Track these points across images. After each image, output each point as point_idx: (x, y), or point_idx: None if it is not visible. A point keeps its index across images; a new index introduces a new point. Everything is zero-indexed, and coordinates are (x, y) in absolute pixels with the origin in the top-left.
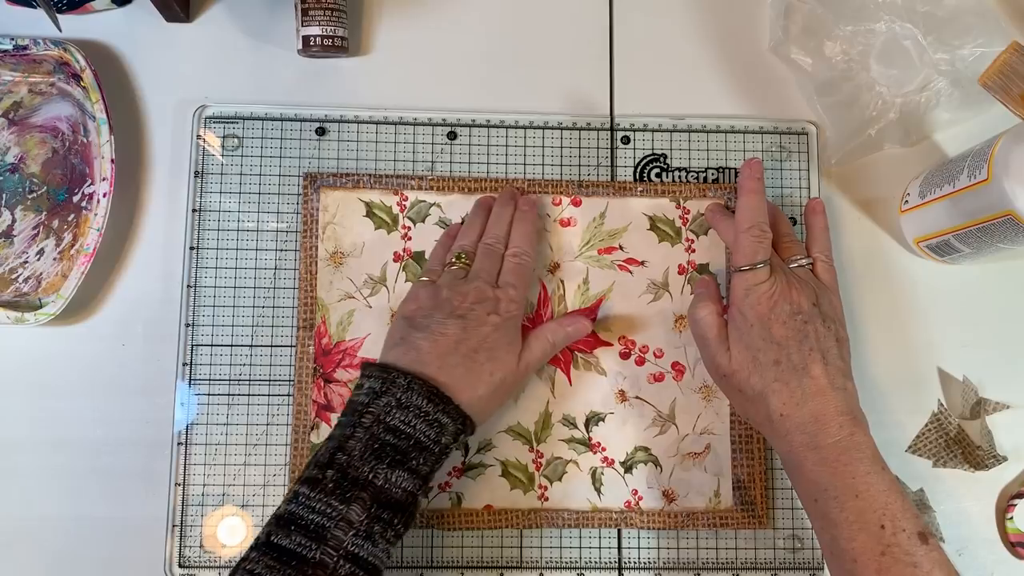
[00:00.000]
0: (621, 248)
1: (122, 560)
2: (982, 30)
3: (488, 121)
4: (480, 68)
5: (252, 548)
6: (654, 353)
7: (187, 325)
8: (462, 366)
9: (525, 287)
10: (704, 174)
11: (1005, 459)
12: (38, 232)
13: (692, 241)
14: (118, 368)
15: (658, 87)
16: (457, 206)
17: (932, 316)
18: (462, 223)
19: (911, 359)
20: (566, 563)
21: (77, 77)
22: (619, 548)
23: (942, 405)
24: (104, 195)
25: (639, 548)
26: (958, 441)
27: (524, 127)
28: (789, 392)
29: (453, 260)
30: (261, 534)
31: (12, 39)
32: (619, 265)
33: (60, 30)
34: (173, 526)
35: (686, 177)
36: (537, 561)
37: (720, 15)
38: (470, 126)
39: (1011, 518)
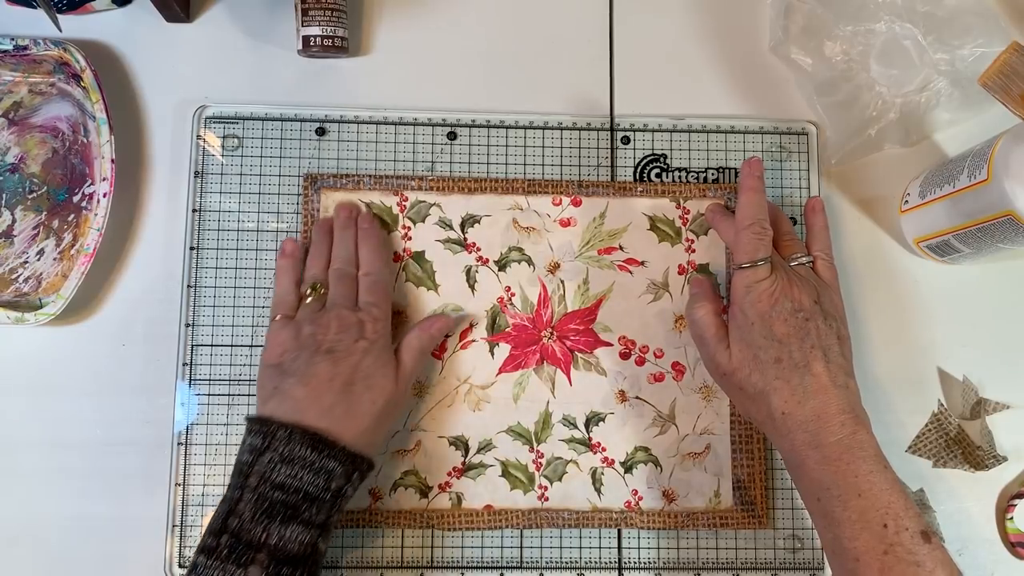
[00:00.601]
0: (621, 248)
1: (122, 560)
2: (982, 30)
3: (488, 121)
4: (480, 68)
5: None
6: (654, 353)
7: (187, 325)
8: (341, 404)
9: (387, 304)
10: (704, 174)
11: (1005, 459)
12: (38, 232)
13: (692, 241)
14: (118, 368)
15: (658, 87)
16: (457, 206)
17: (932, 316)
18: (294, 242)
19: (911, 359)
20: (566, 563)
21: (77, 77)
22: (619, 548)
23: (942, 405)
24: (104, 195)
25: (639, 548)
26: (958, 441)
27: (524, 127)
28: (791, 390)
29: (308, 292)
30: None
31: (12, 39)
32: (619, 265)
33: (60, 30)
34: (173, 526)
35: (686, 177)
36: (537, 561)
37: (720, 15)
38: (470, 126)
39: (1011, 518)
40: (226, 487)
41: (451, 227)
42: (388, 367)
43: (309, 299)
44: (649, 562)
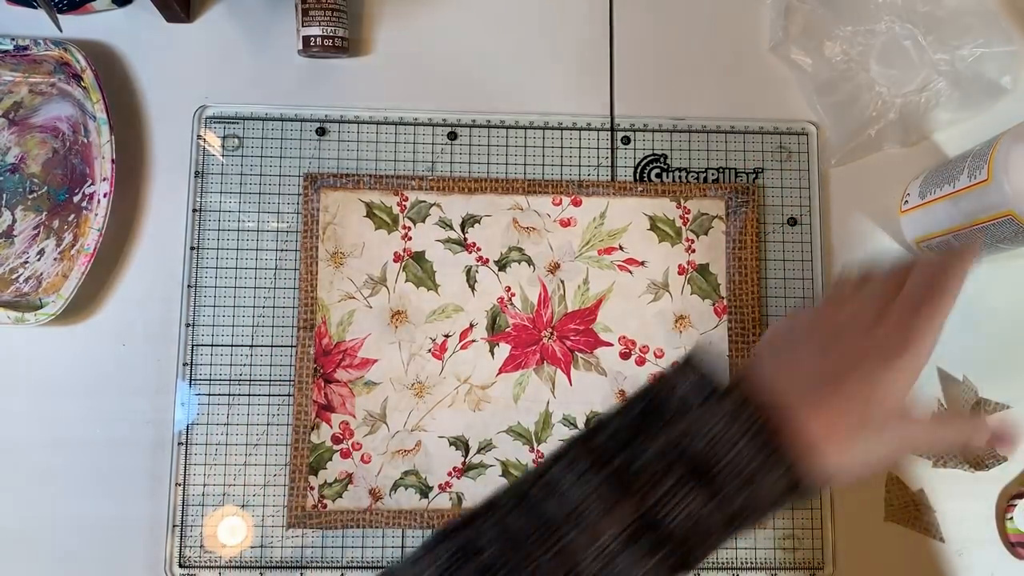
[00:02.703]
0: (621, 248)
1: (122, 560)
2: (982, 30)
3: (488, 121)
4: (480, 68)
5: (497, 504)
6: (654, 353)
7: (187, 325)
8: (814, 395)
9: (926, 332)
10: (704, 174)
11: (1005, 459)
12: (38, 232)
13: (692, 241)
14: (118, 368)
15: (658, 87)
16: (457, 206)
17: None
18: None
19: None
20: None
21: (77, 77)
22: None
23: (942, 405)
24: (104, 195)
25: None
26: None
27: (524, 127)
28: None
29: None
30: (508, 496)
31: (12, 39)
32: (619, 265)
33: (60, 30)
34: (173, 526)
35: (686, 177)
36: None
37: (720, 15)
38: (470, 126)
39: (1011, 518)
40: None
41: (451, 227)
42: (902, 388)
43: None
44: None
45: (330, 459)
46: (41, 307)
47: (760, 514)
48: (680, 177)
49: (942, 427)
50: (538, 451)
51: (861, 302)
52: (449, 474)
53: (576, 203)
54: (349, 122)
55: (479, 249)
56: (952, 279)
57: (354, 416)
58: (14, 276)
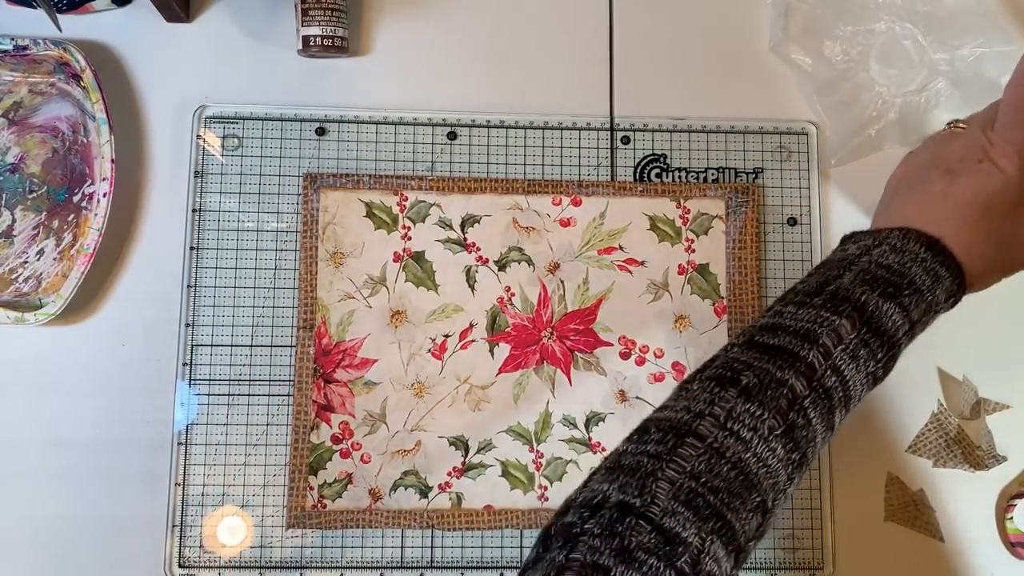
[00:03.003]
0: (621, 248)
1: (122, 560)
2: (982, 30)
3: (488, 121)
4: (480, 68)
5: (730, 347)
6: (654, 353)
7: (187, 325)
8: (952, 221)
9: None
10: (704, 174)
11: (1005, 459)
12: (38, 232)
13: (692, 241)
14: (118, 368)
15: (658, 87)
16: (457, 206)
17: None
18: None
19: (911, 359)
20: None
21: (77, 77)
22: None
23: (942, 405)
24: (104, 195)
25: None
26: (958, 441)
27: (524, 127)
28: None
29: (949, 123)
30: (738, 338)
31: (12, 39)
32: (619, 265)
33: (60, 30)
34: (173, 526)
35: (686, 177)
36: None
37: (720, 15)
38: (470, 126)
39: (1011, 518)
40: (811, 273)
41: (451, 227)
42: (1013, 202)
43: (945, 133)
44: None
45: (330, 459)
46: (41, 307)
47: (930, 321)
48: (680, 177)
49: None
50: (538, 451)
51: (969, 134)
52: (449, 474)
53: (576, 203)
54: (349, 122)
55: (479, 249)
56: (1019, 94)
57: (354, 416)
58: (14, 276)
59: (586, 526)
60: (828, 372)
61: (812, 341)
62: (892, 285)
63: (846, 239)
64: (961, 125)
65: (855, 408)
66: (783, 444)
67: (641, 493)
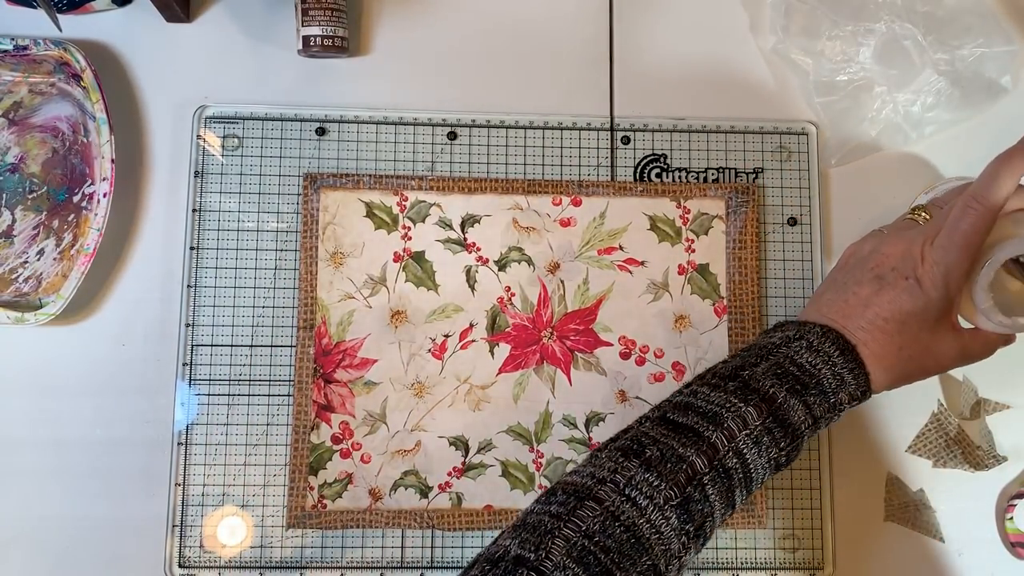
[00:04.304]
0: (621, 248)
1: (122, 560)
2: (982, 30)
3: (488, 121)
4: (480, 68)
5: (644, 420)
6: (654, 353)
7: (187, 325)
8: (869, 331)
9: (959, 258)
10: (704, 174)
11: (1005, 459)
12: (38, 232)
13: (692, 241)
14: (118, 368)
15: (658, 87)
16: (457, 206)
17: None
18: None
19: None
20: None
21: (77, 77)
22: None
23: (942, 405)
24: (104, 195)
25: None
26: (958, 441)
27: (524, 127)
28: None
29: (910, 211)
30: (652, 413)
31: (12, 39)
32: (619, 265)
33: (60, 30)
34: (173, 526)
35: (686, 177)
36: None
37: (720, 15)
38: (470, 126)
39: (1011, 518)
40: (734, 355)
41: (451, 227)
42: (931, 323)
43: (907, 218)
44: None
45: (330, 459)
46: (41, 307)
47: (834, 419)
48: (680, 177)
49: (972, 341)
50: (538, 451)
51: (910, 241)
52: (449, 474)
53: (576, 203)
54: (349, 122)
55: (479, 249)
56: (963, 219)
57: (354, 416)
58: (14, 276)
59: None
60: (730, 454)
61: (718, 424)
62: (800, 383)
63: (777, 326)
64: (924, 215)
65: (757, 489)
66: (677, 514)
67: (537, 548)
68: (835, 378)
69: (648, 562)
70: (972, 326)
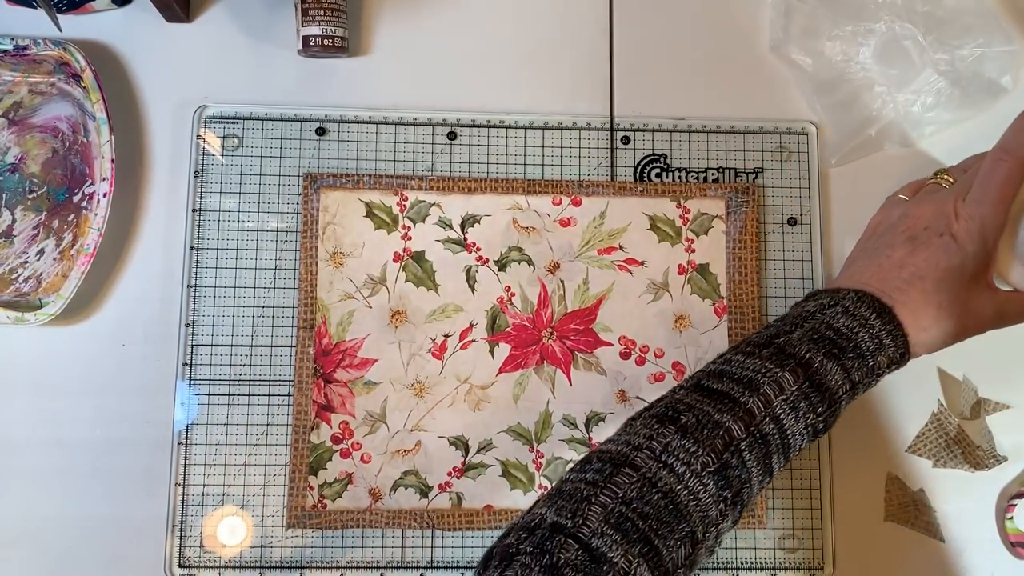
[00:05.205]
0: (621, 248)
1: (122, 560)
2: (982, 30)
3: (488, 121)
4: (480, 68)
5: (678, 388)
6: (654, 353)
7: (187, 325)
8: (905, 293)
9: (995, 210)
10: (704, 174)
11: (1005, 459)
12: (38, 232)
13: (692, 241)
14: (118, 368)
15: (658, 87)
16: (457, 206)
17: None
18: None
19: (911, 359)
20: None
21: (77, 77)
22: None
23: (942, 405)
24: (104, 195)
25: None
26: (958, 441)
27: (524, 127)
28: None
29: (933, 176)
30: (686, 381)
31: (12, 39)
32: (619, 265)
33: (60, 30)
34: (173, 526)
35: (686, 177)
36: None
37: (720, 15)
38: (470, 126)
39: (1011, 518)
40: (770, 323)
41: (451, 227)
42: (968, 279)
43: (930, 183)
44: None
45: (330, 459)
46: (41, 307)
47: (872, 384)
48: (680, 177)
49: (1009, 302)
50: (538, 451)
51: (941, 201)
52: (449, 474)
53: (576, 203)
54: (349, 122)
55: (479, 249)
56: (995, 171)
57: (354, 416)
58: (14, 276)
59: (521, 546)
60: (767, 419)
61: (754, 390)
62: (837, 347)
63: (810, 295)
64: (947, 177)
65: (794, 456)
66: (715, 480)
67: (574, 515)
68: (873, 341)
69: (686, 529)
70: (1009, 288)
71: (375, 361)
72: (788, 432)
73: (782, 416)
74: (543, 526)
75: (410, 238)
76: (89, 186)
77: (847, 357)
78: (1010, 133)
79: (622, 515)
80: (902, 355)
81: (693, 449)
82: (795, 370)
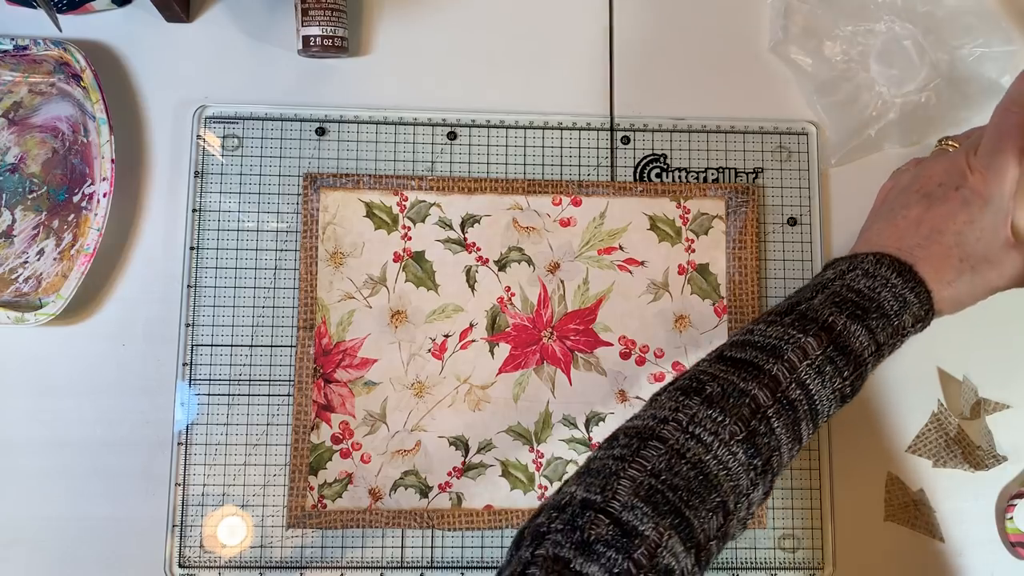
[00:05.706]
0: (621, 248)
1: (122, 560)
2: (982, 30)
3: (488, 121)
4: (480, 68)
5: (701, 362)
6: (654, 353)
7: (187, 325)
8: (924, 249)
9: (1006, 162)
10: (704, 174)
11: (1005, 459)
12: (38, 232)
13: (692, 241)
14: (118, 368)
15: (658, 87)
16: (457, 206)
17: None
18: None
19: (911, 359)
20: None
21: (77, 77)
22: None
23: (942, 405)
24: (104, 195)
25: None
26: (958, 441)
27: (524, 127)
28: None
29: (939, 142)
30: (710, 355)
31: (12, 39)
32: (619, 265)
33: (60, 30)
34: (173, 526)
35: (686, 177)
36: None
37: (720, 15)
38: (470, 126)
39: (1011, 518)
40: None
41: (451, 227)
42: (989, 230)
43: (935, 150)
44: None
45: (330, 459)
46: (41, 307)
47: (898, 345)
48: (680, 177)
49: None
50: (538, 451)
51: (953, 158)
52: (449, 474)
53: (576, 203)
54: (349, 122)
55: (479, 249)
56: (1005, 122)
57: (354, 416)
58: (14, 276)
59: (552, 524)
60: (793, 385)
61: (778, 356)
62: (860, 308)
63: (827, 265)
64: (952, 143)
65: (824, 422)
66: (744, 449)
67: (603, 490)
68: (896, 299)
69: (717, 499)
70: None
71: (375, 361)
72: (815, 398)
73: (808, 381)
74: (573, 503)
75: (410, 238)
76: (89, 186)
77: (871, 318)
78: (1014, 87)
79: (652, 487)
80: (927, 312)
81: (720, 419)
82: (819, 335)
